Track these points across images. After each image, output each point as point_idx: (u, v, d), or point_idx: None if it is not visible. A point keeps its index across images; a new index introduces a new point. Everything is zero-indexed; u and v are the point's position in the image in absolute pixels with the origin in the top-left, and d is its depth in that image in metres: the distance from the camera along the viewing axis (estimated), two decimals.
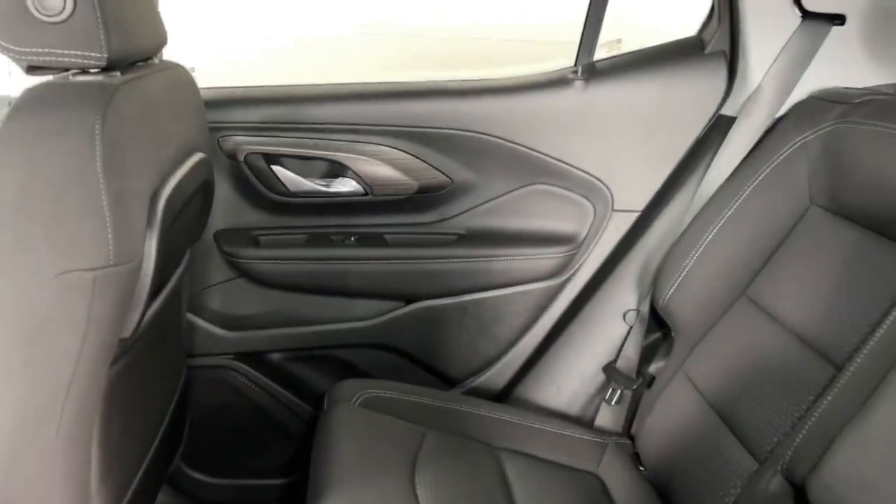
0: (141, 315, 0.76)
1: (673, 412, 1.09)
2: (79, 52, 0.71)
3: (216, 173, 1.20)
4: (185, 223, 0.92)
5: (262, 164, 1.27)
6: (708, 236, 1.09)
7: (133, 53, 0.78)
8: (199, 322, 1.34)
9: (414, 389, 1.19)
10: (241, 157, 1.26)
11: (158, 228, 0.74)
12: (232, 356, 1.38)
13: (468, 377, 1.42)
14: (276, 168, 1.28)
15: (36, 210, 0.65)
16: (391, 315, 1.37)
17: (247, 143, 1.25)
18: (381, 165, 1.25)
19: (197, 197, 0.95)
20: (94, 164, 0.66)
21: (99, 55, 0.71)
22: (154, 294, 0.79)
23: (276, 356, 1.41)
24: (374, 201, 1.29)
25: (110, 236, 0.67)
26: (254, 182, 1.28)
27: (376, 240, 1.32)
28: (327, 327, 1.37)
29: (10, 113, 0.68)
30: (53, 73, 0.75)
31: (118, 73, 0.76)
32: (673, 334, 1.17)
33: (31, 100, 0.68)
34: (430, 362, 1.41)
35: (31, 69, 0.73)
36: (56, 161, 0.65)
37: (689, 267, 1.11)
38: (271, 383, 1.40)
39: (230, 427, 1.42)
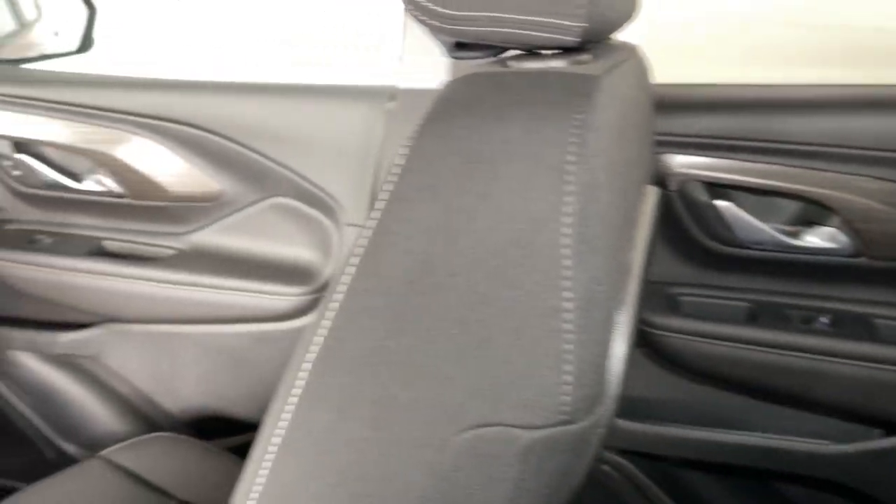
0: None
1: None
2: (542, 21, 0.47)
3: None
4: None
5: (701, 196, 0.95)
6: None
7: (611, 25, 0.52)
8: None
9: None
10: (674, 185, 0.94)
11: (630, 331, 0.50)
12: (613, 451, 1.08)
13: None
14: (721, 204, 0.94)
15: (452, 297, 0.42)
16: (866, 446, 0.95)
17: (687, 166, 0.94)
18: (881, 210, 0.84)
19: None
20: (556, 213, 0.40)
21: (572, 25, 0.46)
22: None
23: (671, 464, 1.08)
24: (859, 266, 0.89)
25: (571, 370, 0.41)
26: (684, 220, 0.97)
27: (861, 326, 0.89)
28: (760, 441, 0.97)
29: (427, 119, 0.45)
30: (484, 55, 0.54)
31: (588, 57, 0.50)
32: None
33: (463, 99, 0.46)
34: None
35: (459, 48, 0.53)
36: (497, 201, 0.41)
37: None
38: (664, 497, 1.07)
39: None
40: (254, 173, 1.06)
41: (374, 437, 0.43)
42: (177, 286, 1.07)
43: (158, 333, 1.12)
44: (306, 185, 1.04)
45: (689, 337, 0.95)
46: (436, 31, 0.49)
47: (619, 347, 0.48)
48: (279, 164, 1.04)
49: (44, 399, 1.19)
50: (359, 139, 1.00)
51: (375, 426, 0.43)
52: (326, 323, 0.45)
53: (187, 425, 1.17)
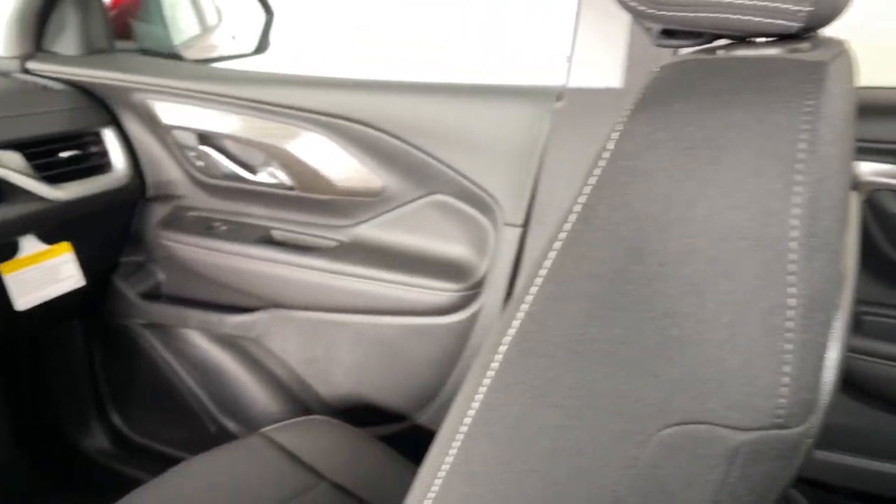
0: None
1: None
2: (764, 5, 0.44)
3: None
4: None
5: (895, 207, 0.84)
6: None
7: (834, 11, 0.47)
8: None
9: None
10: (863, 195, 0.86)
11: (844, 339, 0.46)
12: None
13: None
14: None
15: (662, 287, 0.41)
16: None
17: (879, 175, 0.89)
18: None
19: None
20: (786, 204, 0.38)
21: (797, 10, 0.43)
22: None
23: (843, 496, 0.99)
24: None
25: (790, 371, 0.39)
26: (872, 232, 0.91)
27: None
28: None
29: (639, 103, 0.44)
30: (692, 44, 0.51)
31: (807, 46, 0.47)
32: None
33: (679, 83, 0.44)
34: None
35: (666, 35, 0.51)
36: (719, 189, 0.40)
37: None
38: None
39: None
40: (416, 171, 1.09)
41: (570, 425, 0.43)
42: (337, 276, 1.12)
43: (317, 320, 1.17)
44: (467, 183, 1.05)
45: (872, 359, 0.88)
46: (645, 17, 0.48)
47: (833, 354, 0.45)
48: (441, 162, 1.06)
49: (209, 376, 1.28)
50: (523, 139, 1.00)
51: (572, 415, 0.43)
52: (524, 306, 0.45)
53: (338, 411, 1.21)
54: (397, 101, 1.07)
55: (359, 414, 1.20)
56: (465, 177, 1.05)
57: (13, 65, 1.19)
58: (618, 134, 0.43)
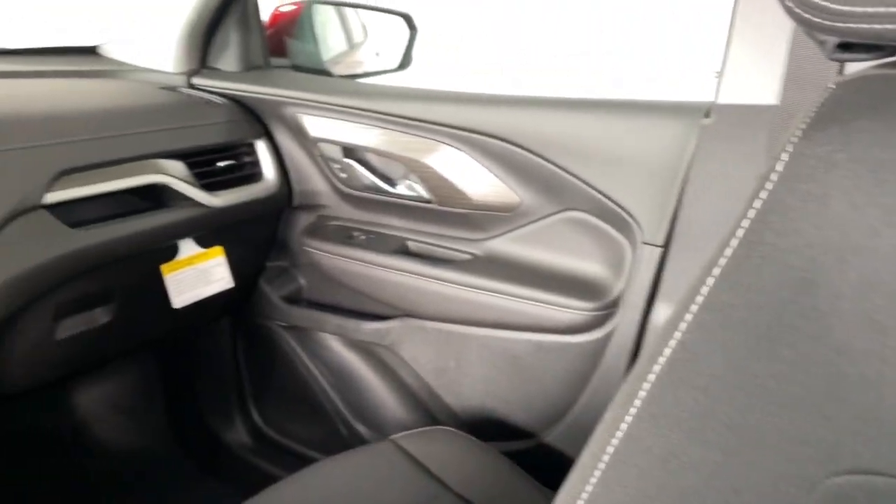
0: None
1: None
2: None
3: None
4: None
5: None
6: None
7: None
8: None
9: None
10: None
11: None
12: None
13: None
14: None
15: (836, 322, 0.37)
16: None
17: None
18: None
19: None
20: None
21: None
22: None
23: None
24: None
25: None
26: None
27: None
28: None
29: (814, 122, 0.41)
30: (871, 58, 0.46)
31: None
32: None
33: (861, 101, 0.41)
34: None
35: (842, 49, 0.46)
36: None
37: None
38: None
39: None
40: (552, 186, 1.07)
41: (724, 463, 0.40)
42: (470, 289, 1.12)
43: (449, 332, 1.18)
44: (604, 200, 1.02)
45: None
46: (821, 30, 0.44)
47: None
48: (578, 178, 1.04)
49: (343, 380, 1.32)
50: (666, 156, 0.96)
51: (727, 452, 0.40)
52: (677, 334, 0.42)
53: (465, 423, 1.21)
54: (536, 116, 1.06)
55: (485, 427, 1.19)
56: (602, 193, 1.02)
57: (180, 80, 1.29)
58: (788, 155, 0.40)
